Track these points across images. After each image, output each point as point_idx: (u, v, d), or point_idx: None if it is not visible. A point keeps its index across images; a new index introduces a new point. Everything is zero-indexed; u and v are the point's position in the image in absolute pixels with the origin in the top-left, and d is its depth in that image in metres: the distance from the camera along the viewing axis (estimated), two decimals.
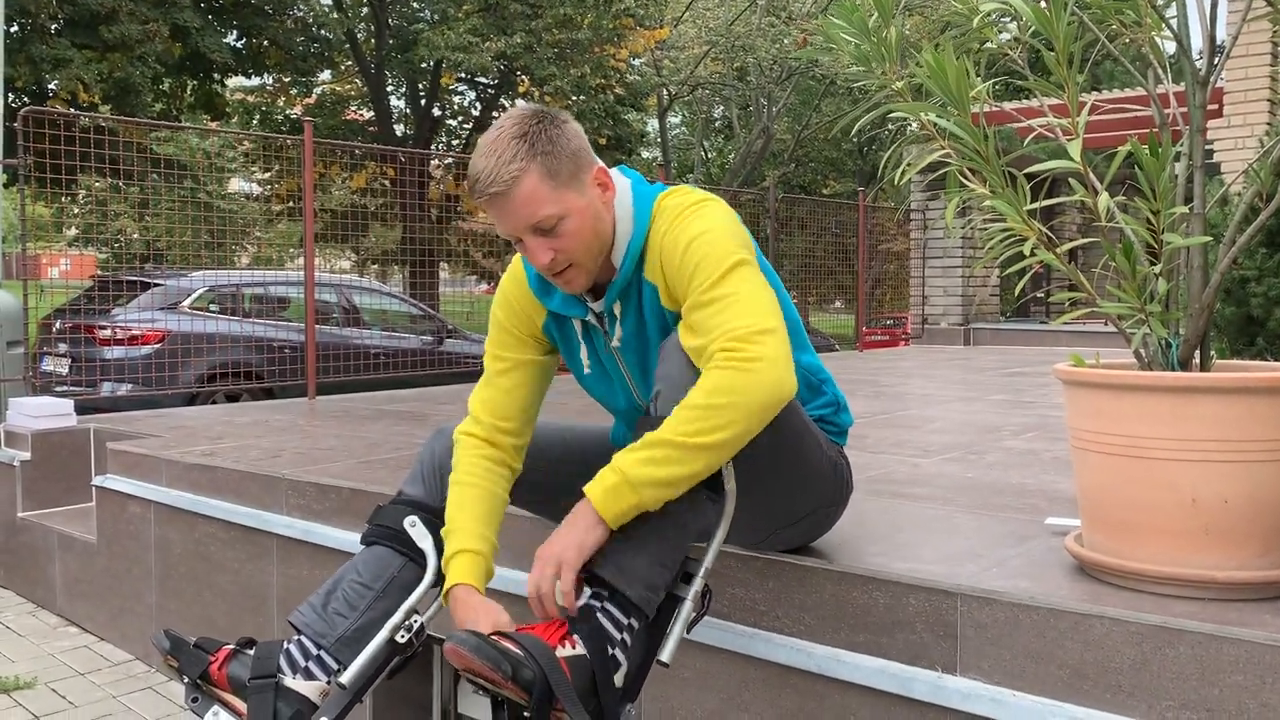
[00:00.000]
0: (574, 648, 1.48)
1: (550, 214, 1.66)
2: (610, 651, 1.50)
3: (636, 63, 20.08)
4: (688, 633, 1.61)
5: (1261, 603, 1.60)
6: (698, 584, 1.61)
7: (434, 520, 1.83)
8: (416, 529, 1.82)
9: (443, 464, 1.88)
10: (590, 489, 1.53)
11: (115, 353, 6.64)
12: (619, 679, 1.52)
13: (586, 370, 1.91)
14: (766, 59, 20.02)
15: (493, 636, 1.45)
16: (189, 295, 7.25)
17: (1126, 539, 1.68)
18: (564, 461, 1.98)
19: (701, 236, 1.67)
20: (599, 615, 1.52)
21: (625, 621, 1.53)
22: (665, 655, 1.55)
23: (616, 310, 1.80)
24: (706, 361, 1.57)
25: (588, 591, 1.56)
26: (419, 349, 8.17)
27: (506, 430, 1.86)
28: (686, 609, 1.60)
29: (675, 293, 1.70)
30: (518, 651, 1.43)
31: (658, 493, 1.51)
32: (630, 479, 1.51)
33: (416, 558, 1.82)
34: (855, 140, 22.51)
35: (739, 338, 1.55)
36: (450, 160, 17.81)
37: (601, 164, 1.75)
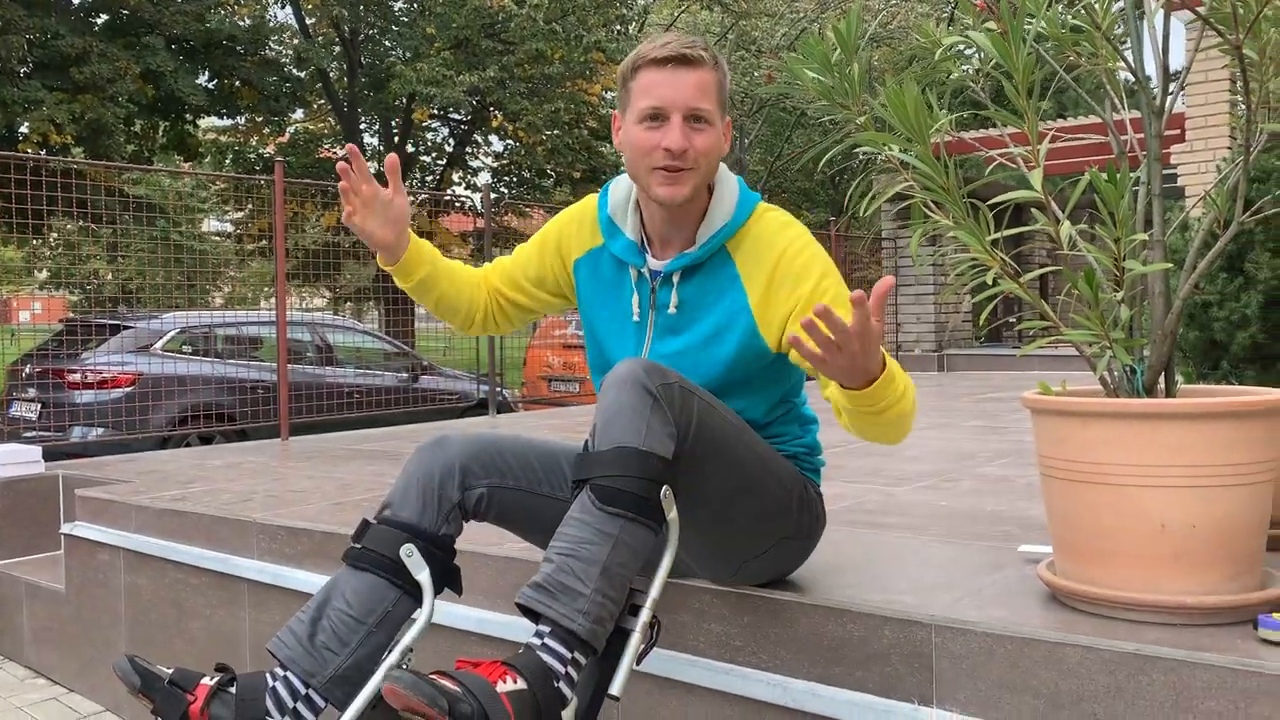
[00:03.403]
0: (515, 682, 1.45)
1: (709, 110, 1.76)
2: (555, 685, 1.48)
3: (609, 96, 20.23)
4: (637, 664, 1.61)
5: (1232, 627, 1.61)
6: (645, 615, 1.61)
7: (429, 548, 1.76)
8: (413, 559, 1.74)
9: (443, 485, 1.79)
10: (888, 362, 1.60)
11: (86, 397, 6.57)
12: (568, 714, 1.50)
13: (636, 318, 1.93)
14: (737, 92, 20.22)
15: (431, 675, 1.42)
16: (161, 337, 7.19)
17: (1097, 566, 1.68)
18: (542, 481, 1.93)
19: (826, 264, 1.85)
20: (539, 652, 1.50)
21: (569, 655, 1.51)
22: (615, 688, 1.55)
23: (675, 278, 1.87)
24: None
25: (531, 629, 1.54)
26: (394, 386, 8.13)
27: (495, 287, 2.12)
28: (634, 641, 1.59)
29: (782, 294, 1.81)
30: (455, 688, 1.41)
31: (898, 391, 1.61)
32: (896, 395, 1.61)
33: (411, 590, 1.75)
34: (826, 171, 22.72)
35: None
36: (424, 196, 17.82)
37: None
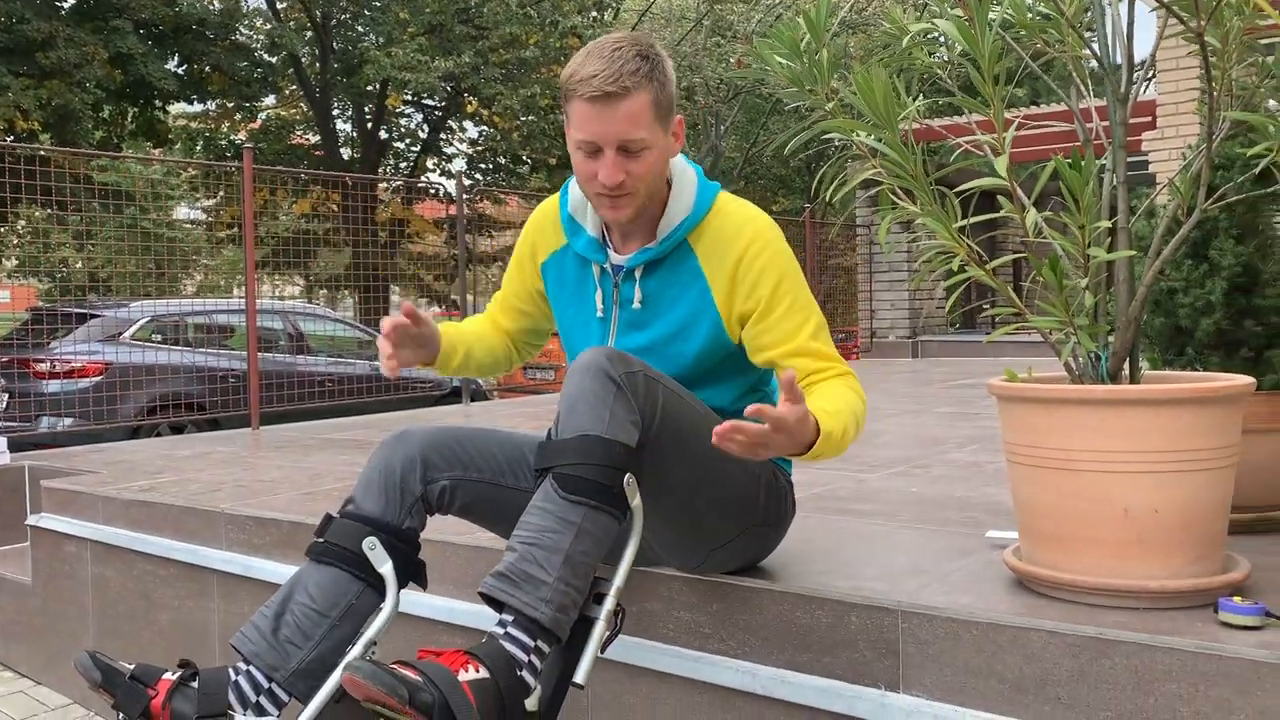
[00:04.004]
0: (478, 671, 1.45)
1: (642, 137, 1.72)
2: (518, 674, 1.48)
3: None
4: (601, 652, 1.61)
5: (1192, 611, 1.62)
6: (609, 603, 1.61)
7: (392, 541, 1.76)
8: (376, 552, 1.73)
9: (404, 478, 1.79)
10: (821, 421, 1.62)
11: (54, 386, 6.49)
12: (531, 703, 1.50)
13: (600, 314, 1.93)
14: (713, 79, 20.18)
15: (392, 665, 1.42)
16: (131, 326, 7.11)
17: (1062, 551, 1.69)
18: (506, 471, 1.91)
19: (786, 264, 1.84)
20: (501, 640, 1.50)
21: (532, 644, 1.51)
22: (580, 677, 1.55)
23: (638, 273, 1.87)
24: (830, 373, 1.79)
25: (494, 619, 1.54)
26: (367, 375, 8.09)
27: (504, 328, 2.14)
28: (599, 629, 1.60)
29: (741, 294, 1.82)
30: (416, 677, 1.40)
31: (835, 445, 1.66)
32: (835, 442, 1.66)
33: (374, 583, 1.75)
34: (802, 157, 22.74)
35: (851, 374, 1.82)
36: (399, 183, 17.71)
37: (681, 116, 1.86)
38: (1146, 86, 1.94)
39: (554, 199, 2.03)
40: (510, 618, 1.51)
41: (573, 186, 1.97)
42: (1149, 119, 7.68)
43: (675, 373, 1.85)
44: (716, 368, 1.89)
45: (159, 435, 6.55)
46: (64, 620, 3.51)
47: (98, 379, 6.55)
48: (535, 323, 2.13)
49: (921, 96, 1.92)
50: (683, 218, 1.85)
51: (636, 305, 1.88)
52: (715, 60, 19.97)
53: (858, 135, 1.84)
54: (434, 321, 1.91)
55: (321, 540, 1.77)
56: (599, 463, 1.57)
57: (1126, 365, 1.79)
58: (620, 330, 1.91)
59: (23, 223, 15.35)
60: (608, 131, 1.71)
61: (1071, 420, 1.64)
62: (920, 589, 1.84)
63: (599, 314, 1.94)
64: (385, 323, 1.78)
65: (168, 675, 1.67)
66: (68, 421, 6.33)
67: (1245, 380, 1.69)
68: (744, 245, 1.82)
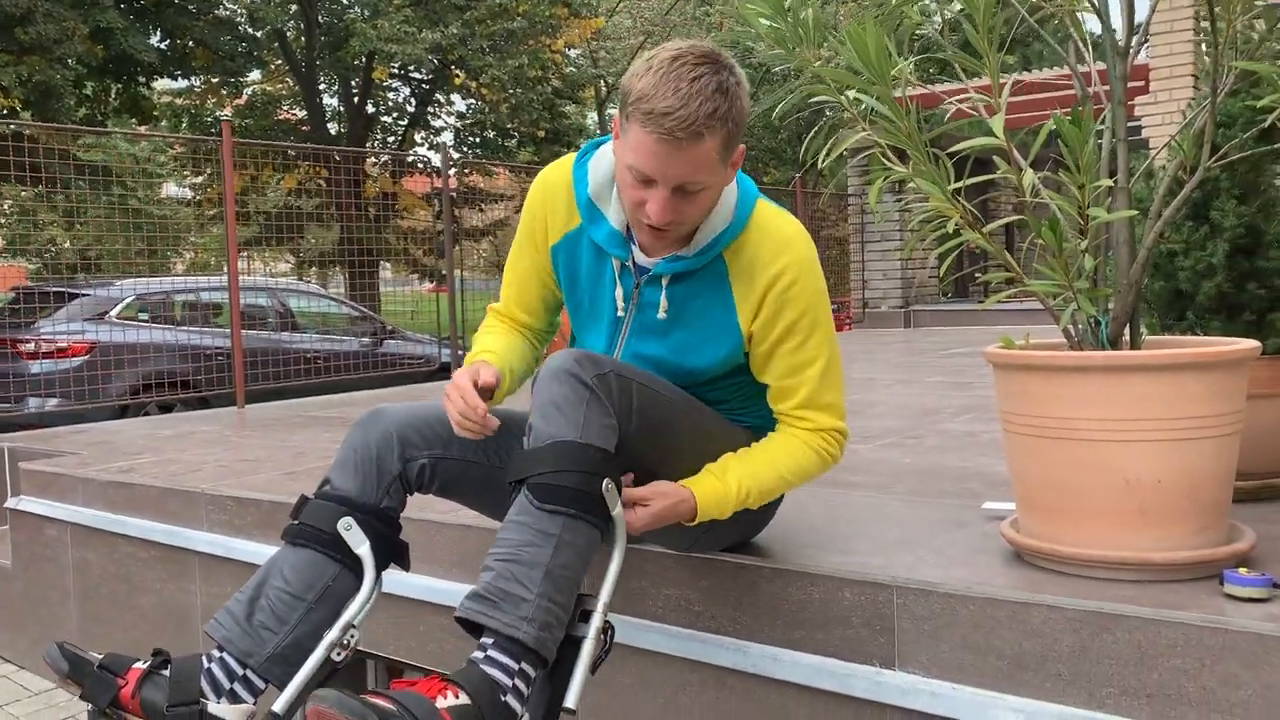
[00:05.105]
0: (457, 698, 1.36)
1: (703, 181, 1.57)
2: (502, 699, 1.39)
3: (573, 54, 19.92)
4: (592, 673, 1.53)
5: (1197, 583, 1.57)
6: (597, 620, 1.53)
7: (370, 521, 1.70)
8: (351, 532, 1.67)
9: (381, 457, 1.72)
10: (700, 495, 1.66)
11: (39, 366, 6.41)
12: None
13: (620, 313, 1.77)
14: None
15: (364, 695, 1.33)
16: (116, 304, 7.02)
17: (1061, 523, 1.64)
18: (488, 448, 1.82)
19: (814, 298, 1.73)
20: (482, 664, 1.42)
21: (515, 666, 1.42)
22: (571, 701, 1.47)
23: (664, 280, 1.72)
24: (805, 425, 1.74)
25: (474, 645, 1.46)
26: (357, 351, 8.01)
27: (525, 324, 1.94)
28: (587, 649, 1.51)
29: (764, 316, 1.70)
30: (389, 706, 1.31)
31: (730, 510, 1.69)
32: (726, 507, 1.68)
33: (352, 565, 1.69)
34: (793, 126, 22.58)
35: (838, 431, 1.76)
36: (386, 158, 17.53)
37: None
38: (1143, 46, 1.87)
39: (562, 169, 1.80)
40: (490, 640, 1.43)
41: (594, 166, 1.77)
42: (1142, 83, 7.60)
43: (685, 384, 1.76)
44: (721, 380, 1.80)
45: (146, 414, 6.48)
46: (46, 604, 3.45)
47: (83, 358, 6.47)
48: (555, 305, 1.94)
49: (914, 56, 1.85)
50: (721, 229, 1.70)
51: (661, 315, 1.74)
52: (704, 30, 19.77)
53: (849, 93, 1.77)
54: (496, 372, 1.72)
55: (296, 522, 1.71)
56: (575, 469, 1.49)
57: (1127, 330, 1.73)
58: (633, 333, 1.77)
59: (8, 202, 15.18)
60: (668, 173, 1.54)
61: (1070, 387, 1.58)
62: (915, 563, 1.79)
63: (619, 313, 1.78)
64: (477, 408, 1.63)
65: (138, 664, 1.62)
66: (53, 402, 6.26)
67: (1249, 344, 1.63)
68: (778, 271, 1.69)
